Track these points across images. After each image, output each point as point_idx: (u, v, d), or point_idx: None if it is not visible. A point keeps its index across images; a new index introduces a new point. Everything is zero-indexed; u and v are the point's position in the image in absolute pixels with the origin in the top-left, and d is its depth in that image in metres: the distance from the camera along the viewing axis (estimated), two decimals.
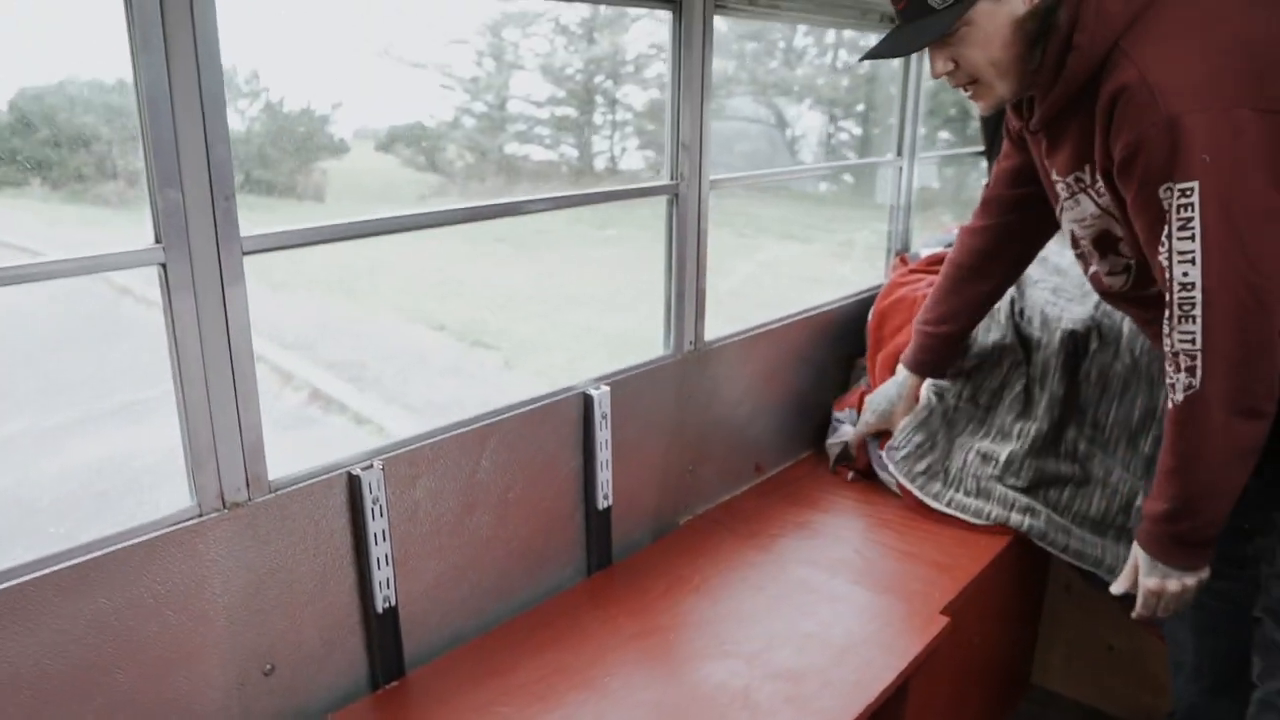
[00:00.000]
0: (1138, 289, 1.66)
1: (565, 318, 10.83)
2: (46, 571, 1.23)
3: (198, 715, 1.43)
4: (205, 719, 1.44)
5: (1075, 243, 1.74)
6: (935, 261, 2.69)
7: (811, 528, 2.25)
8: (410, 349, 8.53)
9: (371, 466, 1.56)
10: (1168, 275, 1.41)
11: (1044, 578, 2.51)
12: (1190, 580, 1.56)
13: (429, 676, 1.69)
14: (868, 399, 2.42)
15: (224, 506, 1.41)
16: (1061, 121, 1.57)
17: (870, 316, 2.65)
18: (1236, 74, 1.35)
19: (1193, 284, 1.38)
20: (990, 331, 2.40)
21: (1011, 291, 2.37)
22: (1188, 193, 1.34)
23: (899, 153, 2.95)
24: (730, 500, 2.41)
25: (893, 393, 2.35)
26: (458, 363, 8.39)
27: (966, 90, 1.59)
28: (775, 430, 2.56)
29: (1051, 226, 1.98)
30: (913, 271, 2.74)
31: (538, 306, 10.90)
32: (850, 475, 2.51)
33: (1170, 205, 1.37)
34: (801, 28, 12.52)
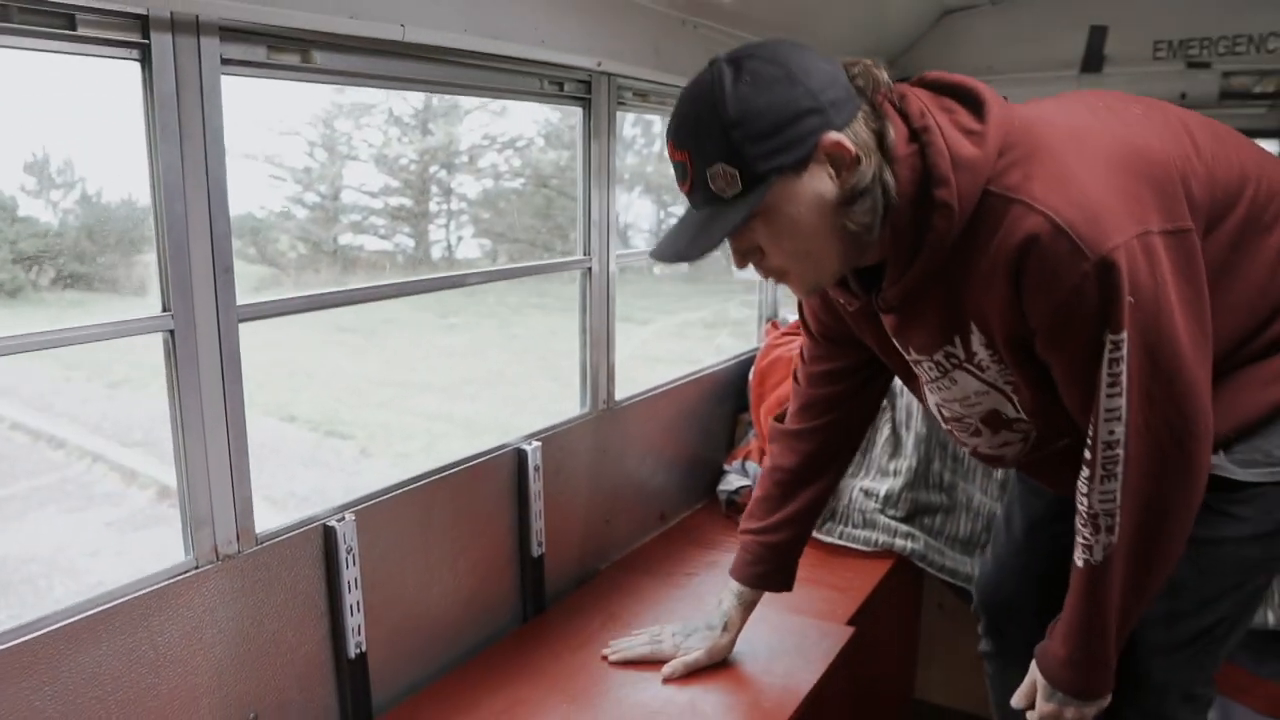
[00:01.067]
0: (1036, 451, 1.52)
1: (416, 405, 10.78)
2: (61, 624, 1.29)
3: None
4: None
5: (957, 420, 1.55)
6: None
7: (720, 565, 2.45)
8: (264, 441, 8.30)
9: (344, 518, 1.68)
10: (1092, 433, 1.28)
11: (920, 600, 2.81)
12: (1089, 709, 1.45)
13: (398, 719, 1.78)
14: (699, 633, 1.96)
15: (217, 559, 1.49)
16: (921, 296, 1.35)
17: (751, 375, 2.94)
18: (1135, 197, 1.21)
19: (1117, 441, 1.25)
20: None
21: None
22: (1119, 345, 1.20)
23: None
24: (641, 547, 2.60)
25: (721, 637, 1.92)
26: (313, 453, 8.24)
27: (775, 278, 1.37)
28: (675, 481, 2.78)
29: (877, 401, 1.84)
30: (784, 334, 3.05)
31: (389, 394, 10.82)
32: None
33: (1103, 359, 1.22)
34: (630, 118, 13.25)
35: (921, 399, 1.61)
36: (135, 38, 1.30)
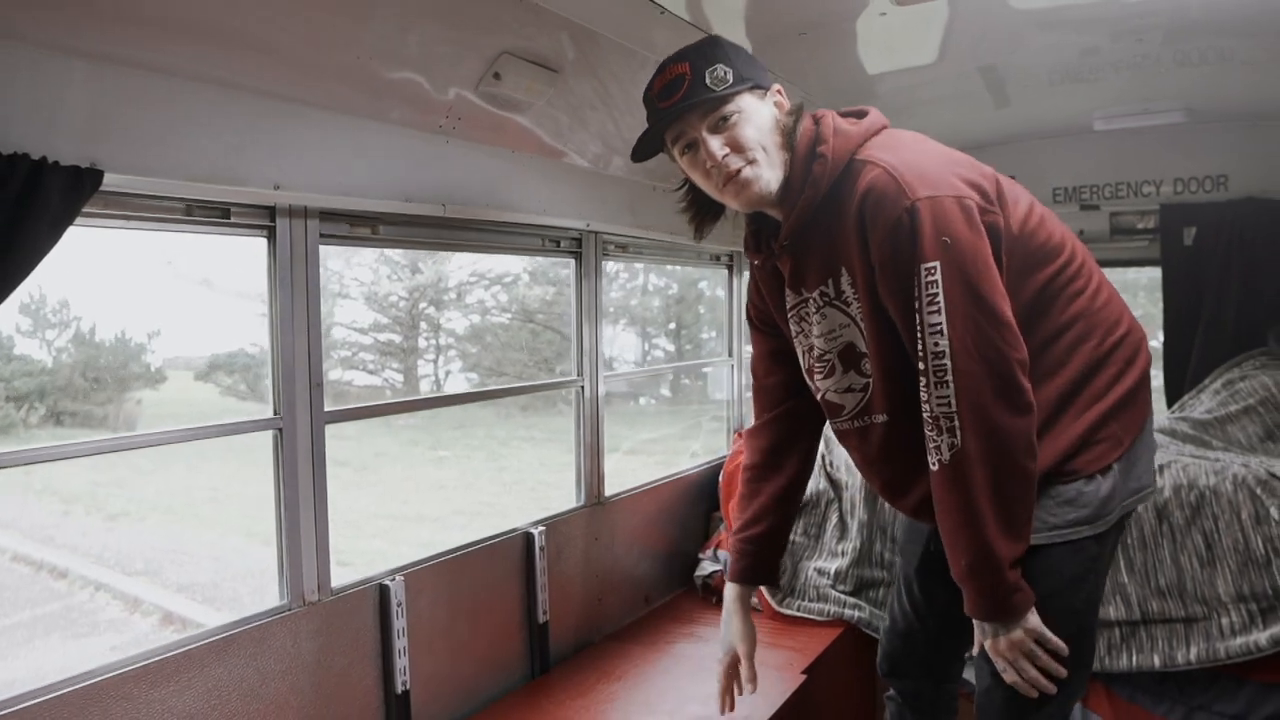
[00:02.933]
0: (863, 416, 1.79)
1: (409, 535, 11.02)
2: (202, 643, 1.75)
3: None
4: None
5: (821, 358, 1.81)
6: None
7: (697, 636, 2.91)
8: (262, 568, 8.59)
9: (395, 579, 2.14)
10: (921, 349, 1.56)
11: (872, 660, 3.22)
12: (1016, 632, 1.60)
13: None
14: (722, 638, 2.09)
15: (304, 604, 1.96)
16: (807, 236, 1.71)
17: (720, 477, 3.44)
18: (955, 175, 1.59)
19: (943, 352, 1.53)
20: (810, 481, 3.22)
21: (822, 448, 3.22)
22: (931, 271, 1.53)
23: (729, 354, 3.86)
24: (630, 623, 3.04)
25: (734, 624, 2.05)
26: None
27: (739, 177, 1.66)
28: (658, 568, 3.23)
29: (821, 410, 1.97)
30: None
31: (382, 525, 11.10)
32: (715, 599, 3.19)
33: (920, 282, 1.54)
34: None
35: (802, 356, 1.88)
36: (266, 222, 1.87)
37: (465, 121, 2.17)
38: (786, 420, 2.02)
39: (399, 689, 2.13)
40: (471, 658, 2.38)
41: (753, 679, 2.04)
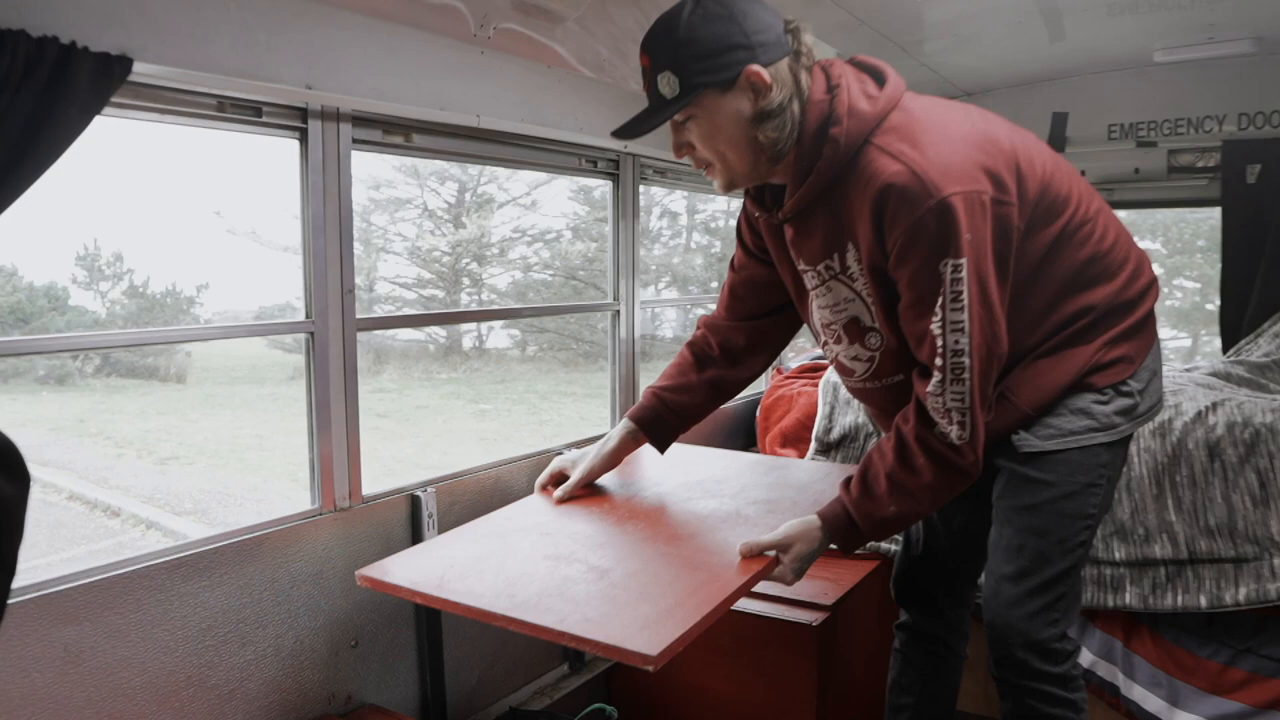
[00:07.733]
0: (875, 379, 1.77)
1: None
2: (234, 540, 1.78)
3: (316, 667, 1.94)
4: (318, 672, 1.94)
5: (826, 327, 1.80)
6: (805, 370, 3.49)
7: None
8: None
9: (428, 491, 2.15)
10: (940, 343, 1.52)
11: None
12: (808, 563, 1.67)
13: None
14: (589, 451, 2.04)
15: (334, 509, 1.97)
16: (811, 212, 1.63)
17: (758, 411, 3.41)
18: (977, 165, 1.50)
19: (963, 350, 1.51)
20: (847, 415, 3.17)
21: None
22: (959, 268, 1.48)
23: None
24: None
25: (601, 449, 1.98)
26: None
27: (707, 173, 1.66)
28: None
29: (790, 333, 2.02)
30: (787, 378, 3.52)
31: (424, 474, 11.25)
32: None
33: (945, 279, 1.49)
34: (655, 211, 13.96)
35: (806, 314, 1.86)
36: (298, 123, 1.85)
37: (499, 33, 2.13)
38: (752, 333, 1.98)
39: None
40: None
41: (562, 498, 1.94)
